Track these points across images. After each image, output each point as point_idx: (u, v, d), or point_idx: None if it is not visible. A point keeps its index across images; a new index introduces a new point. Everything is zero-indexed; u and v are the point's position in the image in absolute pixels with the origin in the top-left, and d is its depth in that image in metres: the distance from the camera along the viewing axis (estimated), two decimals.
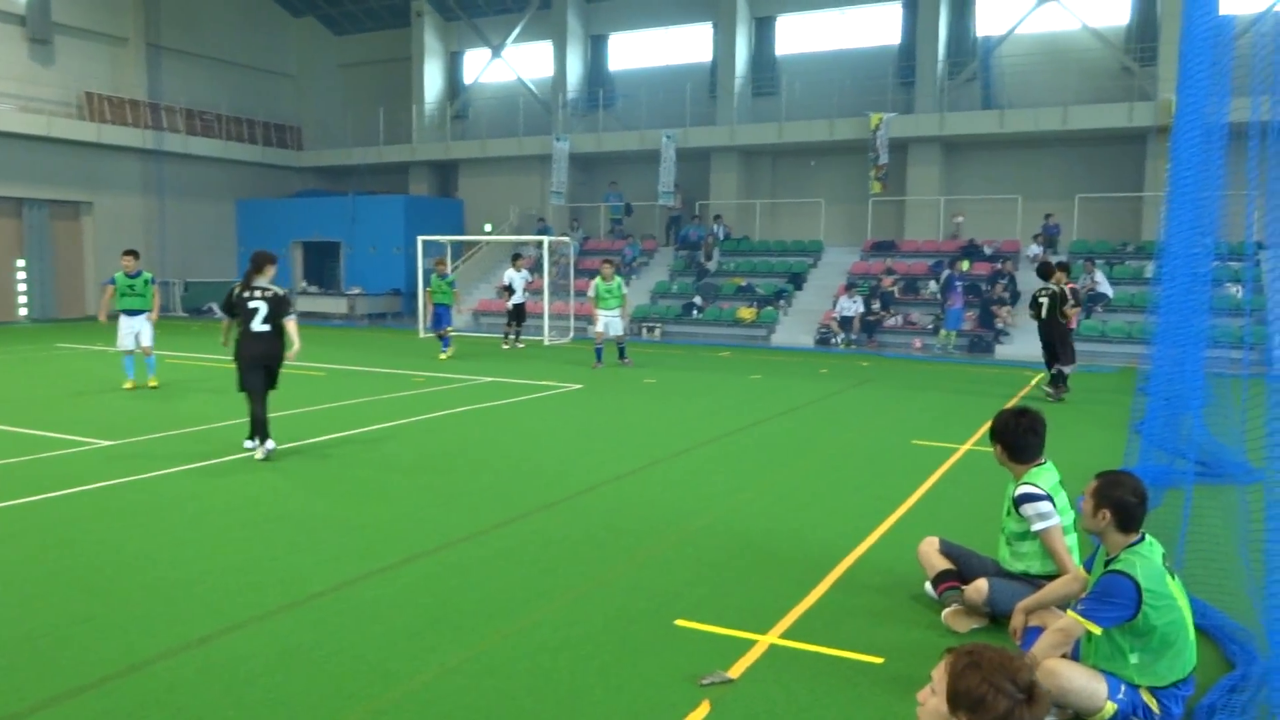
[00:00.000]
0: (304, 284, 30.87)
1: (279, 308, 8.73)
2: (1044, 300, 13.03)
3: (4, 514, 6.74)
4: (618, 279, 16.64)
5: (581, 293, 25.20)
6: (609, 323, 16.44)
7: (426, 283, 19.60)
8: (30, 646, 4.44)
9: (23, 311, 26.71)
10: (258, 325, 8.64)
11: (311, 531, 6.38)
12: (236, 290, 8.73)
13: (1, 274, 26.30)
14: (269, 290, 8.73)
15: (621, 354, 16.72)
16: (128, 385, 13.10)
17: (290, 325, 8.83)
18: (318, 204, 31.27)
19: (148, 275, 13.43)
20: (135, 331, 13.05)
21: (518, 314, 20.01)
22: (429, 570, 5.61)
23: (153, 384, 13.16)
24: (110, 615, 4.84)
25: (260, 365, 8.69)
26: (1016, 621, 4.39)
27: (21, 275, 26.69)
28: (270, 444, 8.61)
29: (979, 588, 4.82)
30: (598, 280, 16.57)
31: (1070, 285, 13.18)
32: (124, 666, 4.23)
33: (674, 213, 27.84)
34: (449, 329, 18.20)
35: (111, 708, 3.85)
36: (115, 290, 13.11)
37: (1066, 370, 13.12)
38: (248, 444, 8.90)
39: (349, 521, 6.63)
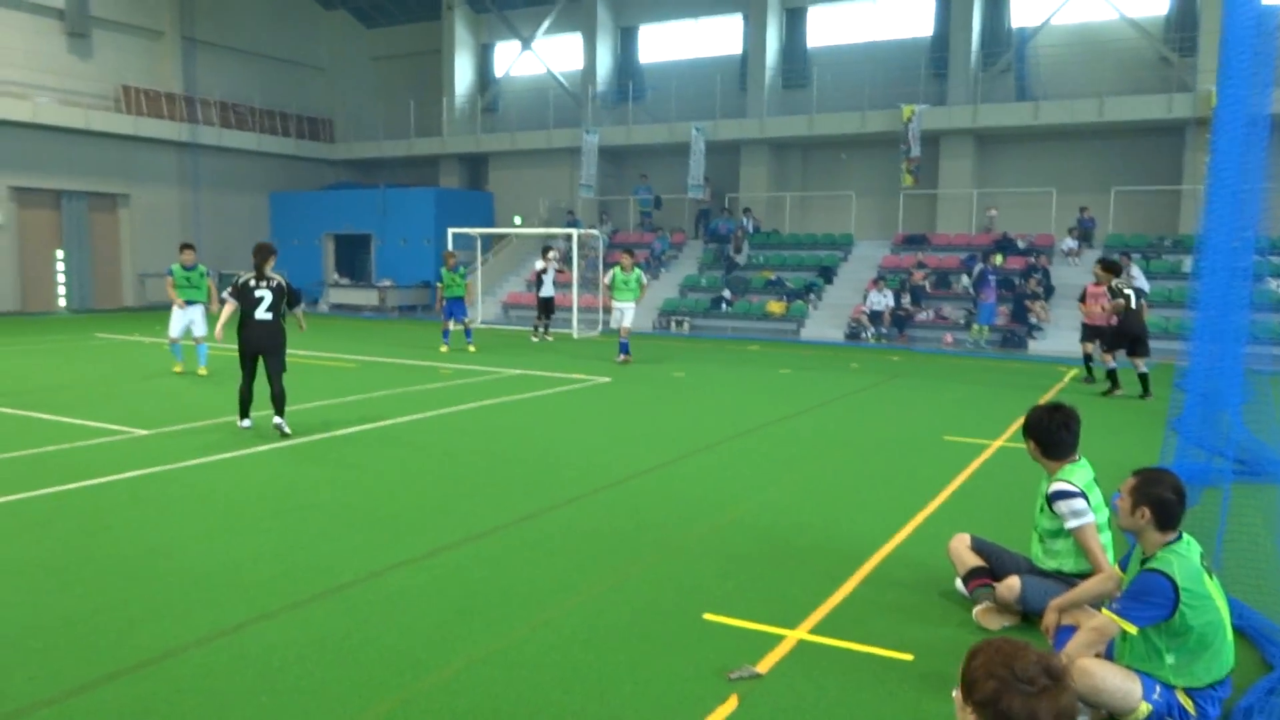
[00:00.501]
0: (335, 276, 31.13)
1: (288, 295, 9.35)
2: (1129, 293, 12.96)
3: (42, 501, 6.86)
4: (637, 271, 16.42)
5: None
6: (624, 312, 16.12)
7: (437, 278, 19.28)
8: (68, 632, 4.52)
9: (61, 302, 27.17)
10: (261, 313, 9.18)
11: (342, 521, 6.43)
12: (247, 281, 9.26)
13: (41, 265, 26.77)
14: (273, 279, 9.25)
15: (623, 350, 16.11)
16: (177, 369, 13.78)
17: (299, 312, 9.64)
18: (349, 196, 31.50)
19: (203, 268, 14.37)
20: (189, 321, 13.67)
21: (546, 307, 20.08)
22: (457, 561, 5.64)
23: (202, 372, 13.61)
24: (145, 602, 4.91)
25: (259, 351, 9.20)
26: (1049, 620, 4.35)
27: (60, 266, 27.14)
28: (282, 423, 9.25)
29: (1011, 585, 4.77)
30: (616, 269, 16.38)
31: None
32: (159, 652, 4.29)
33: (702, 206, 27.77)
34: (468, 321, 17.90)
35: (147, 693, 3.91)
36: (174, 281, 13.88)
37: (1145, 369, 12.94)
38: (242, 423, 9.50)
39: (378, 512, 6.69)
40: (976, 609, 4.88)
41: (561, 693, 3.99)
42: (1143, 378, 12.88)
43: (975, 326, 19.91)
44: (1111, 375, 13.23)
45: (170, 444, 8.86)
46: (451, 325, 17.64)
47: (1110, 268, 13.48)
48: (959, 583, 5.15)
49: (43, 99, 25.98)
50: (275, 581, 5.24)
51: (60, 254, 27.12)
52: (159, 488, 7.30)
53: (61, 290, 27.22)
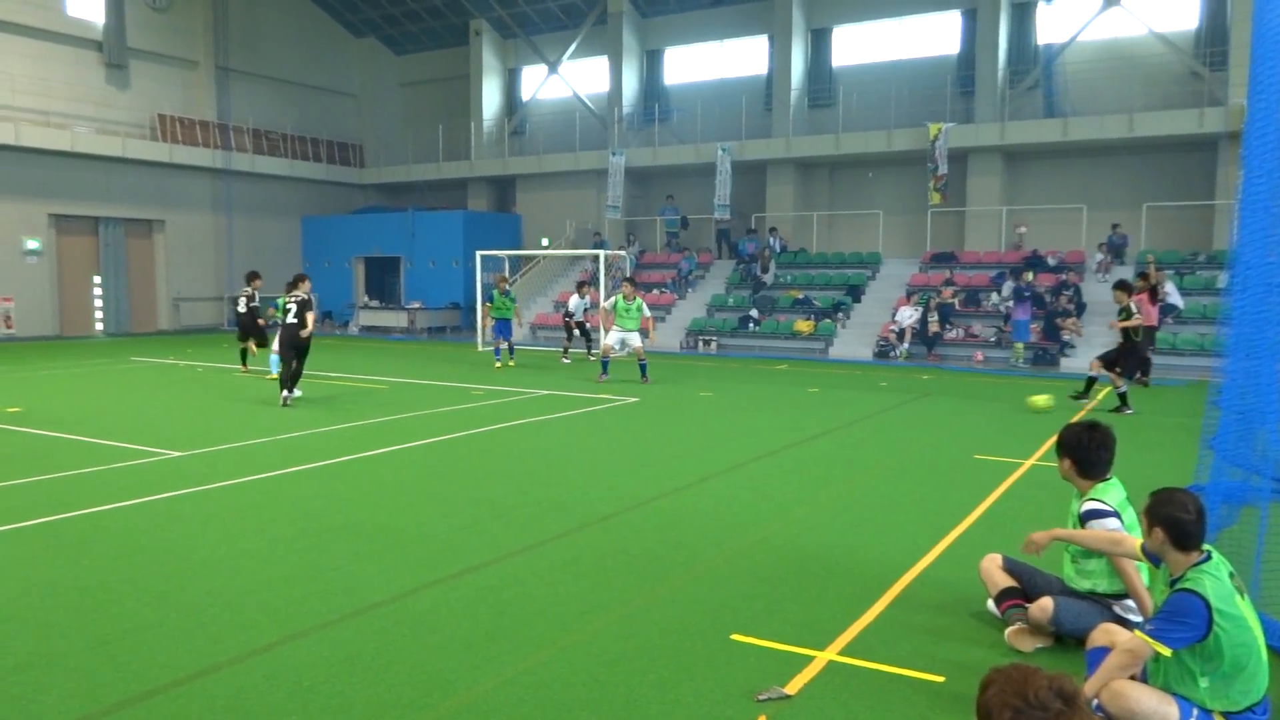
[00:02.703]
0: (365, 298, 31.46)
1: (304, 308, 13.21)
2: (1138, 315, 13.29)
3: (79, 522, 6.97)
4: (638, 300, 16.64)
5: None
6: (625, 339, 16.29)
7: (487, 297, 20.23)
8: (103, 650, 4.58)
9: (99, 326, 27.67)
10: (289, 319, 13.13)
11: (371, 542, 6.48)
12: (281, 299, 13.50)
13: (79, 290, 27.29)
14: (300, 297, 13.27)
15: (643, 372, 16.17)
16: (270, 377, 15.62)
17: (309, 317, 13.16)
18: (379, 220, 31.88)
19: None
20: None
21: (580, 329, 20.45)
22: (486, 582, 5.66)
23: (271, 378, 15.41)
24: (179, 621, 4.97)
25: (291, 344, 13.00)
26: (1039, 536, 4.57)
27: (98, 291, 27.66)
28: (299, 391, 13.17)
29: (1044, 606, 4.71)
30: (618, 298, 16.66)
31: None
32: (193, 671, 4.34)
33: (722, 226, 27.80)
34: (509, 341, 18.98)
35: (181, 712, 3.96)
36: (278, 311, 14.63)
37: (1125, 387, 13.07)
38: (284, 394, 12.87)
39: (407, 533, 6.73)
40: (1009, 630, 4.82)
41: (590, 713, 3.98)
42: (1122, 396, 12.94)
43: (1017, 346, 19.71)
44: (1122, 396, 13.08)
45: (203, 465, 8.98)
46: (502, 344, 18.82)
47: (1124, 287, 13.39)
48: (991, 603, 5.09)
49: (81, 129, 26.59)
50: (306, 601, 5.29)
51: (98, 279, 27.65)
52: (192, 508, 7.39)
53: (99, 315, 27.73)
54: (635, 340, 16.32)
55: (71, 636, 4.76)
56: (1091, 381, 13.81)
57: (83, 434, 10.62)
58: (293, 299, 13.22)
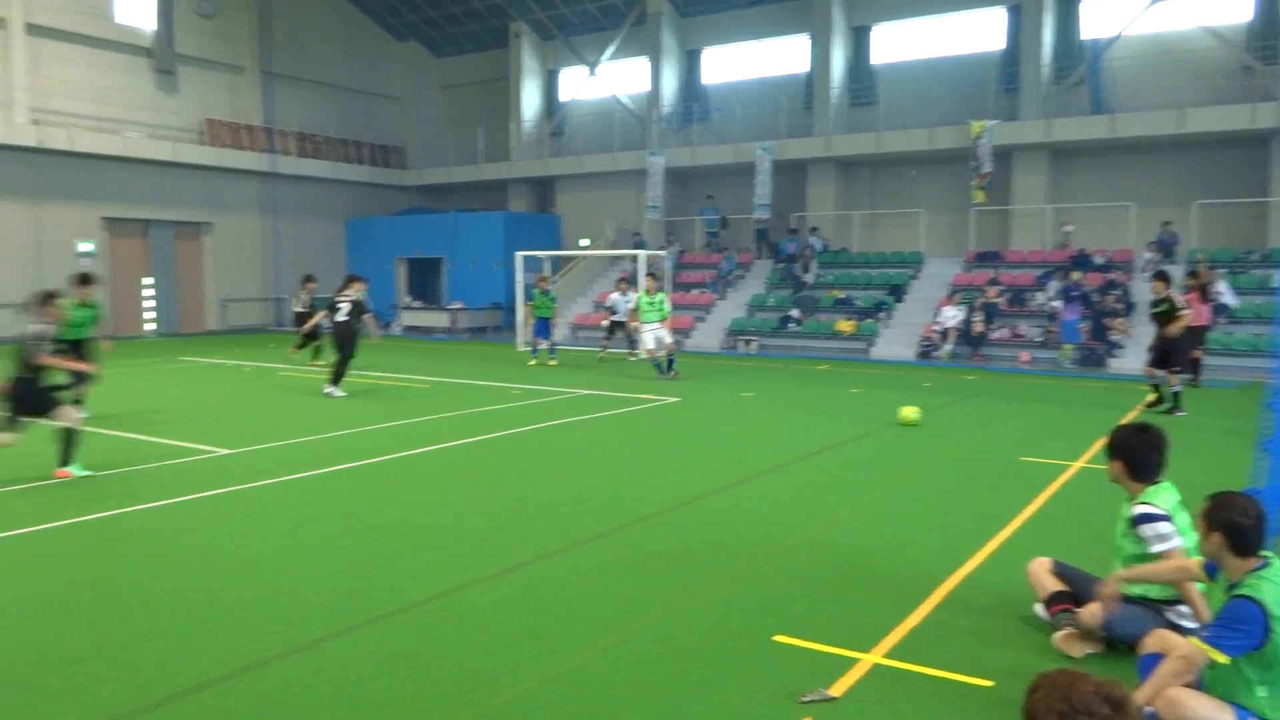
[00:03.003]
0: (408, 299, 31.78)
1: (358, 308, 14.06)
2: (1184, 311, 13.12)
3: (132, 517, 7.11)
4: (660, 294, 17.18)
5: (678, 306, 25.29)
6: (658, 336, 16.75)
7: (528, 297, 20.55)
8: (153, 645, 4.67)
9: (149, 326, 28.24)
10: (340, 316, 13.83)
11: (413, 540, 6.54)
12: (331, 297, 14.04)
13: (130, 291, 27.87)
14: (353, 297, 13.74)
15: (670, 365, 16.60)
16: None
17: (367, 318, 14.43)
18: (420, 221, 32.19)
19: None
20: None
21: (622, 328, 20.51)
22: (527, 581, 5.68)
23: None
24: (226, 617, 5.05)
25: (341, 341, 13.81)
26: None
27: (148, 292, 28.24)
28: (341, 391, 13.67)
29: (1094, 611, 4.61)
30: (641, 293, 17.22)
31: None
32: (241, 666, 4.40)
33: (759, 225, 27.67)
34: (552, 340, 19.39)
35: (230, 705, 4.02)
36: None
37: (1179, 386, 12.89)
38: (329, 390, 13.61)
39: (448, 532, 6.77)
40: (1058, 635, 4.74)
41: (634, 713, 3.98)
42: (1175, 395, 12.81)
43: (1065, 347, 19.38)
44: (1175, 396, 12.83)
45: (251, 463, 9.12)
46: (541, 343, 19.20)
47: (1163, 277, 13.13)
48: (1039, 607, 5.01)
49: (132, 134, 27.16)
50: (351, 598, 5.34)
51: (148, 281, 28.22)
52: (239, 506, 7.51)
53: (150, 315, 28.30)
54: (667, 336, 16.83)
55: (124, 630, 4.86)
56: (1157, 388, 13.22)
57: (134, 431, 10.84)
58: (344, 298, 13.92)
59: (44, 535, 6.64)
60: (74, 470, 8.39)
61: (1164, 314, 12.89)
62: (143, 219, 27.84)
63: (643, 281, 19.07)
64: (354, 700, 4.06)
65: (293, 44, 31.79)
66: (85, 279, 11.73)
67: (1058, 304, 20.44)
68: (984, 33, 25.60)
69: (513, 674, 4.34)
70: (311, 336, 18.05)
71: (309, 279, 17.69)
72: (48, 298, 8.64)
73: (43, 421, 8.41)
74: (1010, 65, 24.70)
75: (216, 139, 29.23)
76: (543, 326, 19.15)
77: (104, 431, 10.90)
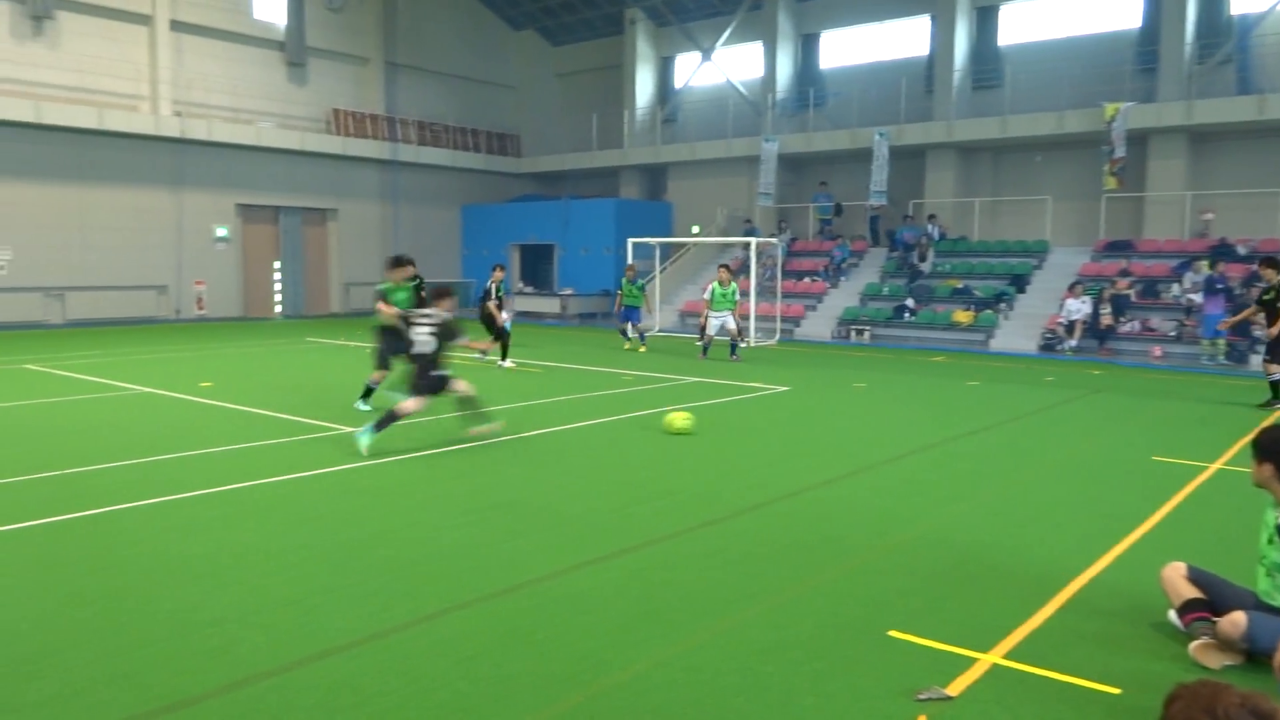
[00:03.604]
0: (520, 284, 32.39)
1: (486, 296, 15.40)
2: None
3: (264, 489, 7.49)
4: (734, 285, 17.94)
5: (789, 294, 25.03)
6: (723, 323, 17.72)
7: (617, 286, 21.22)
8: (288, 609, 4.91)
9: (278, 309, 29.61)
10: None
11: (527, 520, 6.67)
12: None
13: (261, 275, 29.29)
14: (437, 316, 9.38)
15: (733, 350, 17.59)
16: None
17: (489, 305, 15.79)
18: (534, 208, 32.72)
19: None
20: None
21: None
22: (638, 565, 5.73)
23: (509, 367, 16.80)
24: (352, 587, 5.27)
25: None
26: None
27: (277, 276, 29.61)
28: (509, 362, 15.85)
29: (1235, 621, 4.36)
30: (715, 284, 17.87)
31: None
32: (366, 634, 4.59)
33: (873, 213, 27.06)
34: (641, 326, 20.02)
35: (357, 671, 4.19)
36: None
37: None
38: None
39: (562, 513, 6.89)
40: (1193, 644, 4.50)
41: (743, 701, 3.97)
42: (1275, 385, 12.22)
43: (1206, 341, 18.36)
44: (1275, 387, 12.22)
45: (374, 442, 9.44)
46: (629, 329, 19.90)
47: (1274, 264, 12.39)
48: (1173, 615, 4.76)
49: (264, 124, 28.46)
50: (468, 575, 5.50)
51: (277, 265, 29.59)
52: (364, 481, 7.81)
53: (278, 298, 29.67)
54: (730, 322, 17.68)
55: (260, 594, 5.12)
56: (1276, 385, 12.51)
57: (265, 408, 11.39)
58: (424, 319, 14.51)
59: (182, 504, 7.06)
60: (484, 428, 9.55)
61: (1272, 304, 12.16)
62: (273, 205, 29.17)
63: (756, 275, 19.28)
64: (470, 674, 4.18)
65: (415, 35, 32.69)
66: (399, 261, 11.69)
67: (1196, 296, 19.34)
68: (1120, 10, 24.33)
69: (623, 656, 4.39)
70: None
71: (499, 265, 17.96)
72: (441, 294, 9.38)
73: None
74: (1148, 44, 23.41)
75: (342, 128, 30.36)
76: (631, 313, 19.75)
77: (239, 408, 11.50)
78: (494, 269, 17.31)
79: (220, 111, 27.66)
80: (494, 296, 16.79)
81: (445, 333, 9.14)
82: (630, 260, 22.73)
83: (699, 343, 18.38)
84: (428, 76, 33.26)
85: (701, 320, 18.36)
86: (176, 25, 26.72)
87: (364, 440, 8.72)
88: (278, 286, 29.66)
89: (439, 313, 9.21)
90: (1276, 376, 12.19)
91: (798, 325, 24.14)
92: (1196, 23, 22.76)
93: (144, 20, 26.20)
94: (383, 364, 11.05)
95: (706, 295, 18.22)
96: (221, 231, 27.93)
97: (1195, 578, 4.76)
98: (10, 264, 24.04)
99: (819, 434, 10.44)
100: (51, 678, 4.11)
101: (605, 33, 34.74)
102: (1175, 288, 20.40)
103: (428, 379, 9.12)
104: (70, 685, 4.04)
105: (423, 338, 9.11)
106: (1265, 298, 12.43)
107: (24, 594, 5.13)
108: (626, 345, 19.68)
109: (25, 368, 15.45)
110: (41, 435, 9.64)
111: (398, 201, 32.15)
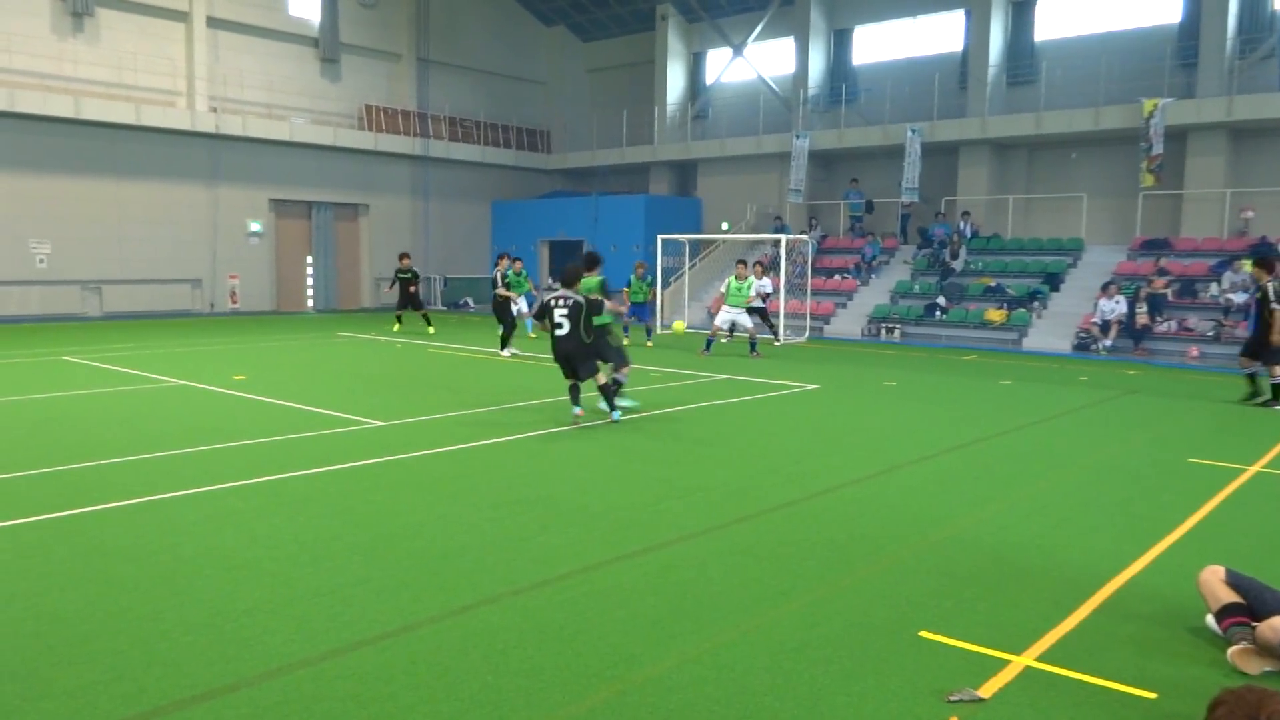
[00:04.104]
0: (549, 280, 32.45)
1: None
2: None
3: (297, 482, 7.57)
4: (751, 279, 18.15)
5: (819, 292, 24.91)
6: (735, 320, 17.92)
7: (625, 283, 20.39)
8: (319, 601, 4.96)
9: (310, 303, 29.91)
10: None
11: (558, 515, 6.69)
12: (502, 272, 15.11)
13: (294, 269, 29.59)
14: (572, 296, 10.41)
15: (753, 348, 17.73)
16: (532, 335, 19.91)
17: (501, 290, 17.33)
18: (563, 204, 32.79)
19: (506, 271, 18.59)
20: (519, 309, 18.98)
21: (759, 313, 20.24)
22: (669, 561, 5.73)
23: (532, 335, 19.51)
24: (384, 579, 5.31)
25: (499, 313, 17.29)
26: None
27: (310, 270, 29.90)
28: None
29: (1275, 626, 4.29)
30: (731, 279, 18.13)
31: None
32: (397, 626, 4.63)
33: (905, 210, 26.85)
34: (648, 323, 20.32)
35: (388, 663, 4.23)
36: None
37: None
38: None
39: (591, 508, 6.90)
40: (1232, 649, 4.43)
41: (773, 699, 3.96)
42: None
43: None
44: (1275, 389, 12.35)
45: (403, 435, 9.54)
46: (647, 328, 20.33)
47: (1264, 264, 12.41)
48: (1210, 619, 4.69)
49: (298, 120, 28.74)
50: (498, 568, 5.53)
51: (309, 259, 29.87)
52: (394, 475, 7.87)
53: (310, 292, 29.96)
54: (745, 320, 17.85)
55: (292, 586, 5.18)
56: (1252, 378, 12.85)
57: (298, 401, 11.51)
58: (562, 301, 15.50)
59: (216, 495, 7.15)
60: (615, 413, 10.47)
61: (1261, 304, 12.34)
62: (306, 201, 29.45)
63: (786, 273, 19.38)
64: (501, 668, 4.20)
65: (447, 32, 32.86)
66: (594, 261, 12.38)
67: (1235, 296, 19.02)
68: (1159, 4, 23.95)
69: (653, 652, 4.39)
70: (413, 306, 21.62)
71: (506, 256, 19.30)
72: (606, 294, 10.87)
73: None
74: (1188, 39, 23.03)
75: (374, 124, 30.59)
76: (641, 310, 19.85)
77: (271, 400, 11.63)
78: (499, 258, 18.79)
79: (255, 107, 27.97)
80: (501, 284, 18.17)
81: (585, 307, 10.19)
82: (661, 255, 22.86)
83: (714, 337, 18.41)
84: (459, 72, 33.42)
85: (712, 308, 18.61)
86: (213, 22, 27.04)
87: (617, 414, 10.46)
88: (310, 281, 29.96)
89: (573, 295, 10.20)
90: (1258, 372, 12.49)
91: (828, 323, 24.01)
92: (1238, 17, 22.37)
93: (181, 17, 26.54)
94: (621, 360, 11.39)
95: (723, 289, 18.48)
96: (255, 226, 28.25)
97: (1234, 582, 4.69)
98: (50, 258, 24.47)
99: (850, 432, 10.38)
100: (93, 663, 4.18)
101: (636, 28, 34.72)
102: (1214, 287, 20.07)
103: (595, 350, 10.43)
104: (111, 671, 4.11)
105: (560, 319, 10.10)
106: (1257, 297, 12.65)
107: (65, 581, 5.22)
108: (649, 343, 19.71)
109: (63, 359, 15.72)
110: (79, 426, 9.81)
111: (428, 197, 32.35)
